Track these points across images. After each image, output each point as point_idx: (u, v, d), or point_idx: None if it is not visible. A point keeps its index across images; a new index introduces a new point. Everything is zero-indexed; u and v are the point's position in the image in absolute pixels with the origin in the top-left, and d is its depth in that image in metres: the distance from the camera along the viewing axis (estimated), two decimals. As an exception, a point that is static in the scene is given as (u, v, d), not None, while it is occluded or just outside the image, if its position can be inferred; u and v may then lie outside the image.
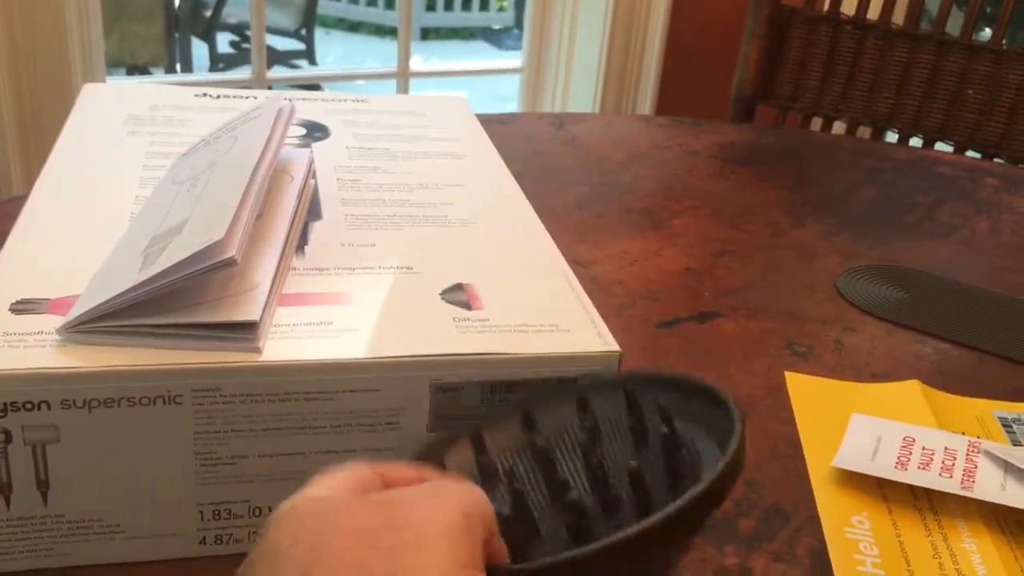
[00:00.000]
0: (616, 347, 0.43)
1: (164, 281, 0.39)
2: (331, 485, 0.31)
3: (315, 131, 0.64)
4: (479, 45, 5.26)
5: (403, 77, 2.20)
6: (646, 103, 2.20)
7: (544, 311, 0.45)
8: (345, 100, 0.71)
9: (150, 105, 0.64)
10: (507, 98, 2.61)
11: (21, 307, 0.41)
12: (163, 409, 0.39)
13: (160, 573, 0.42)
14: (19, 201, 0.59)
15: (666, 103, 2.22)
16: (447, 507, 0.29)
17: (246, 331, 0.40)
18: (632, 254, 0.75)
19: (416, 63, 2.27)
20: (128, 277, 0.40)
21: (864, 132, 1.24)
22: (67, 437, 0.39)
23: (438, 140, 0.65)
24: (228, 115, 0.60)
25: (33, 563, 0.41)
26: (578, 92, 2.26)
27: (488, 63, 3.18)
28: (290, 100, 0.54)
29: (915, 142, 1.20)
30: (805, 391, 0.59)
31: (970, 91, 1.16)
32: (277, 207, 0.49)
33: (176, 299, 0.40)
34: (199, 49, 4.13)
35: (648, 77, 2.19)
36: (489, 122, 0.73)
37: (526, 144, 0.96)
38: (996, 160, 1.13)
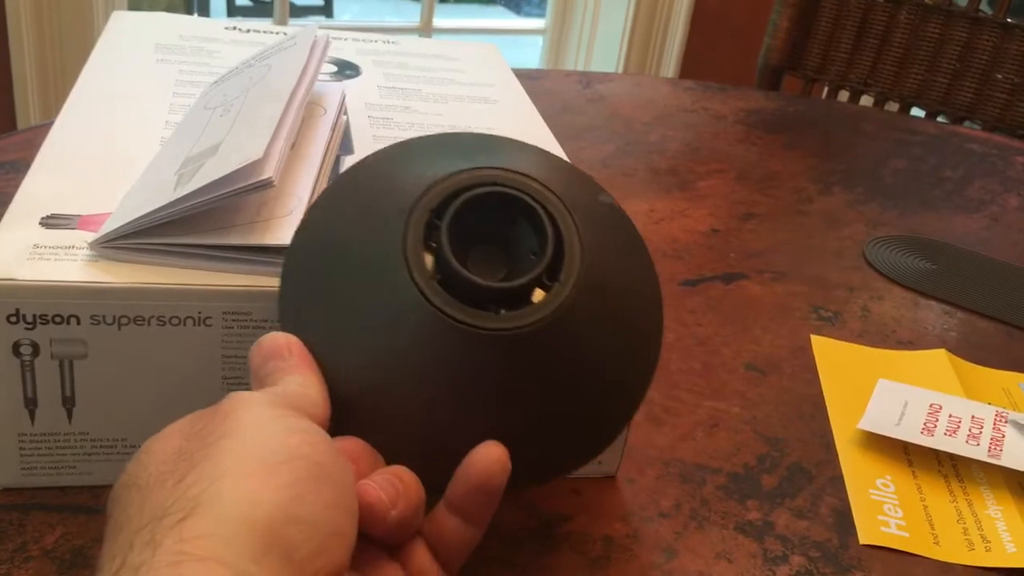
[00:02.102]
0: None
1: (199, 200, 0.38)
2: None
3: (346, 69, 0.63)
4: (498, 10, 5.21)
5: (426, 32, 2.18)
6: (670, 69, 2.18)
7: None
8: (376, 41, 0.70)
9: (179, 35, 0.63)
10: (528, 63, 2.59)
11: (52, 221, 0.40)
12: (192, 330, 0.38)
13: (181, 497, 0.42)
14: (40, 129, 0.58)
15: (689, 70, 2.20)
16: (263, 395, 0.31)
17: (279, 256, 0.39)
18: (658, 212, 0.74)
19: (436, 23, 2.24)
20: (162, 195, 0.39)
21: (891, 107, 1.23)
22: (95, 353, 0.38)
23: (470, 84, 0.64)
24: (257, 48, 0.59)
25: (55, 480, 0.40)
26: (601, 56, 2.23)
27: (512, 23, 3.14)
28: (325, 34, 0.53)
29: (941, 120, 1.18)
30: (831, 355, 0.58)
31: (1000, 76, 1.14)
32: (310, 138, 0.48)
33: (209, 220, 0.39)
34: (216, 2, 4.08)
35: (673, 43, 2.16)
36: (516, 77, 0.72)
37: (553, 101, 0.94)
38: (1024, 141, 1.12)
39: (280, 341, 0.34)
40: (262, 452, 0.28)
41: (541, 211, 0.35)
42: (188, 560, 0.25)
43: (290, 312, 0.36)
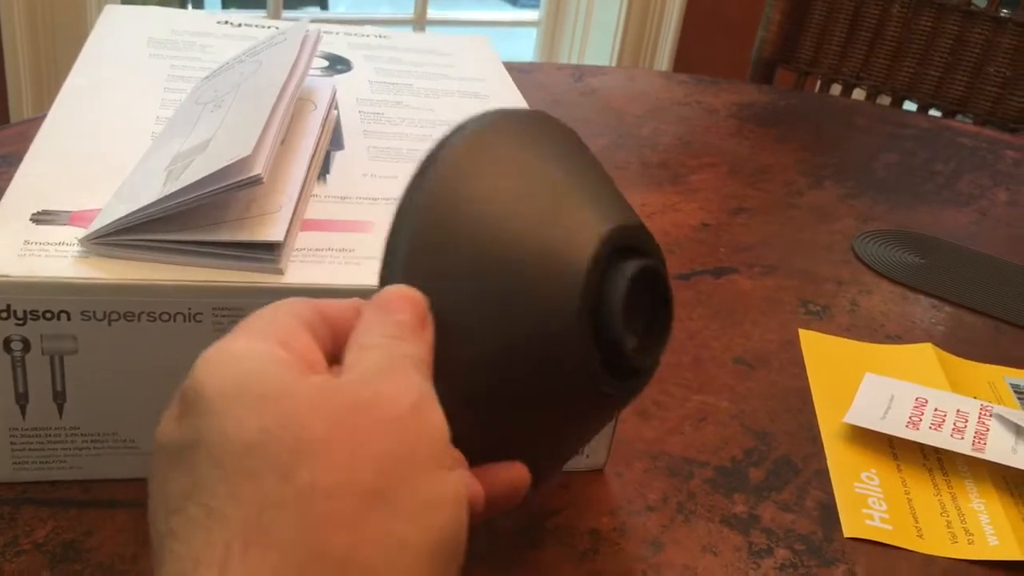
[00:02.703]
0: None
1: (189, 196, 0.38)
2: (260, 335, 0.27)
3: (337, 64, 0.63)
4: (493, 2, 5.20)
5: (420, 24, 2.18)
6: (663, 62, 2.18)
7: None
8: (367, 35, 0.70)
9: (171, 29, 0.63)
10: (523, 56, 2.59)
11: (42, 217, 0.41)
12: (183, 326, 0.39)
13: (172, 491, 0.42)
14: (33, 122, 0.58)
15: (683, 64, 2.20)
16: (441, 415, 0.27)
17: (269, 252, 0.39)
18: (650, 207, 0.74)
19: (430, 15, 2.24)
20: (152, 191, 0.39)
21: (883, 101, 1.23)
22: (85, 349, 0.38)
23: (461, 79, 0.64)
24: (249, 42, 0.59)
25: (46, 474, 0.41)
26: (595, 48, 2.23)
27: (506, 15, 3.15)
28: (316, 29, 0.53)
29: (933, 114, 1.19)
30: (818, 349, 0.59)
31: (991, 69, 1.14)
32: (300, 134, 0.48)
33: (199, 216, 0.40)
34: (211, -9, 4.07)
35: (667, 36, 2.17)
36: (508, 70, 0.72)
37: (545, 94, 0.95)
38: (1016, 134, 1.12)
39: (423, 304, 0.31)
40: (438, 526, 0.25)
41: (670, 289, 0.35)
42: None
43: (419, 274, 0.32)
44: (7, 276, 0.37)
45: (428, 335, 0.30)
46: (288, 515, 0.23)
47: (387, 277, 0.32)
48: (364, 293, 0.40)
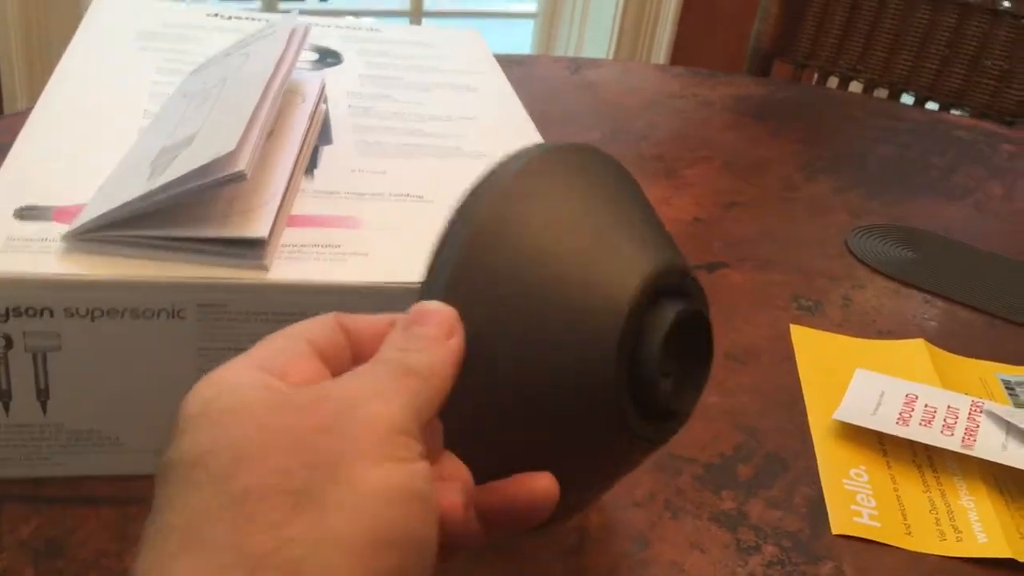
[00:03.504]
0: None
1: (172, 192, 0.38)
2: (258, 363, 0.27)
3: (327, 57, 0.63)
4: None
5: (416, 17, 2.17)
6: (660, 54, 2.17)
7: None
8: (359, 28, 0.70)
9: (162, 22, 0.63)
10: (519, 48, 2.58)
11: (26, 213, 0.40)
12: (167, 323, 0.39)
13: (157, 488, 0.42)
14: (22, 116, 0.58)
15: (680, 56, 2.19)
16: (391, 407, 0.27)
17: (254, 248, 0.39)
18: (642, 200, 0.74)
19: (426, 6, 2.23)
20: (136, 187, 0.39)
21: (880, 94, 1.23)
22: (69, 346, 0.38)
23: (453, 72, 0.64)
24: (239, 35, 0.58)
25: (30, 471, 0.40)
26: (592, 41, 2.23)
27: (503, 6, 3.15)
28: (305, 22, 0.53)
29: (931, 107, 1.18)
30: (810, 344, 0.59)
31: (988, 62, 1.14)
32: (288, 128, 0.48)
33: (183, 212, 0.39)
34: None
35: (663, 29, 2.16)
36: (504, 63, 0.72)
37: (541, 86, 0.94)
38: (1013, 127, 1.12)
39: (451, 314, 0.30)
40: (376, 519, 0.25)
41: (711, 332, 0.35)
42: None
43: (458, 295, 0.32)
44: (9, 273, 0.37)
45: (453, 345, 0.30)
46: (222, 521, 0.24)
47: (426, 296, 0.32)
48: (349, 290, 0.40)
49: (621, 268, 0.33)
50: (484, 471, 0.31)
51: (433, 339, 0.29)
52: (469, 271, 0.32)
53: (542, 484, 0.31)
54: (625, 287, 0.32)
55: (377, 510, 0.25)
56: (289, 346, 0.29)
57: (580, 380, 0.32)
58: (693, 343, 0.35)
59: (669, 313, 0.33)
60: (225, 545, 0.23)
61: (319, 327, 0.30)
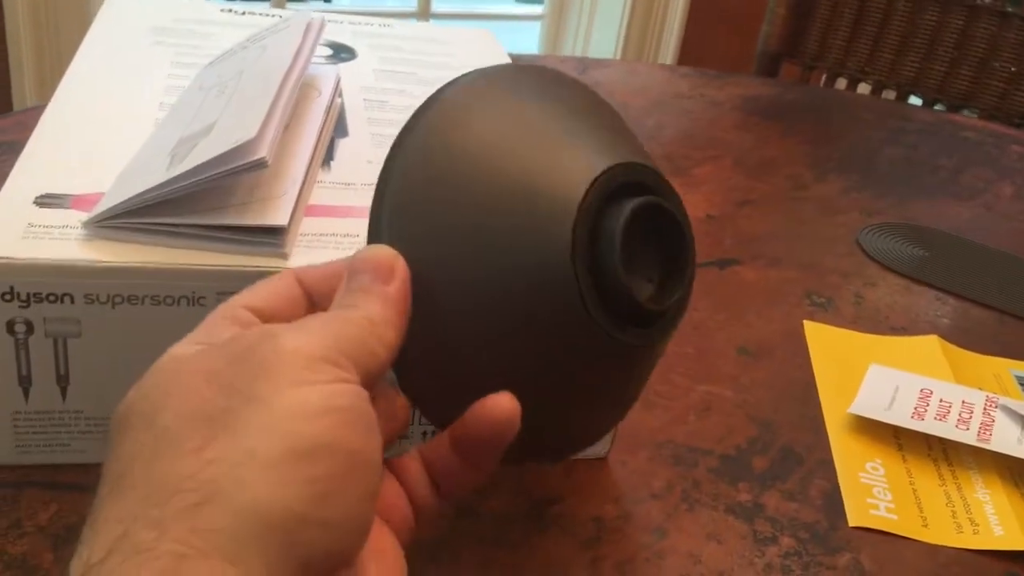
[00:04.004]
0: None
1: (193, 179, 0.38)
2: (199, 338, 0.29)
3: (342, 52, 0.63)
4: (497, -3, 5.18)
5: (423, 18, 2.17)
6: (668, 55, 2.18)
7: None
8: (372, 24, 0.70)
9: (175, 17, 0.63)
10: (527, 49, 2.58)
11: (46, 201, 0.40)
12: (187, 310, 0.39)
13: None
14: (35, 111, 0.58)
15: (688, 57, 2.20)
16: (310, 338, 0.27)
17: (273, 236, 0.39)
18: (653, 198, 0.74)
19: (434, 8, 2.24)
20: (156, 175, 0.39)
21: (888, 95, 1.23)
22: (89, 332, 0.38)
23: (465, 68, 0.64)
24: (252, 30, 0.59)
25: (49, 457, 0.40)
26: (599, 42, 2.23)
27: (510, 8, 3.15)
28: (320, 17, 0.53)
29: (939, 108, 1.18)
30: (823, 340, 0.59)
31: (997, 64, 1.14)
32: (304, 120, 0.48)
33: (203, 200, 0.39)
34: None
35: (671, 30, 2.16)
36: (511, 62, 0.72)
37: (549, 85, 0.94)
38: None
39: (386, 259, 0.30)
40: (293, 434, 0.25)
41: (684, 226, 0.34)
42: (194, 555, 0.23)
43: (401, 225, 0.31)
44: (10, 258, 0.37)
45: (390, 291, 0.30)
46: (142, 457, 0.25)
47: (371, 235, 0.32)
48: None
49: (575, 167, 0.31)
50: (455, 410, 0.30)
51: (367, 290, 0.29)
52: (409, 205, 0.31)
53: (499, 403, 0.30)
54: (574, 188, 0.31)
55: (293, 426, 0.25)
56: (218, 322, 0.30)
57: (537, 293, 0.30)
58: (669, 241, 0.33)
59: (625, 208, 0.31)
60: (146, 478, 0.24)
61: (271, 287, 0.31)
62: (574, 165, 0.31)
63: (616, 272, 0.31)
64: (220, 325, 0.29)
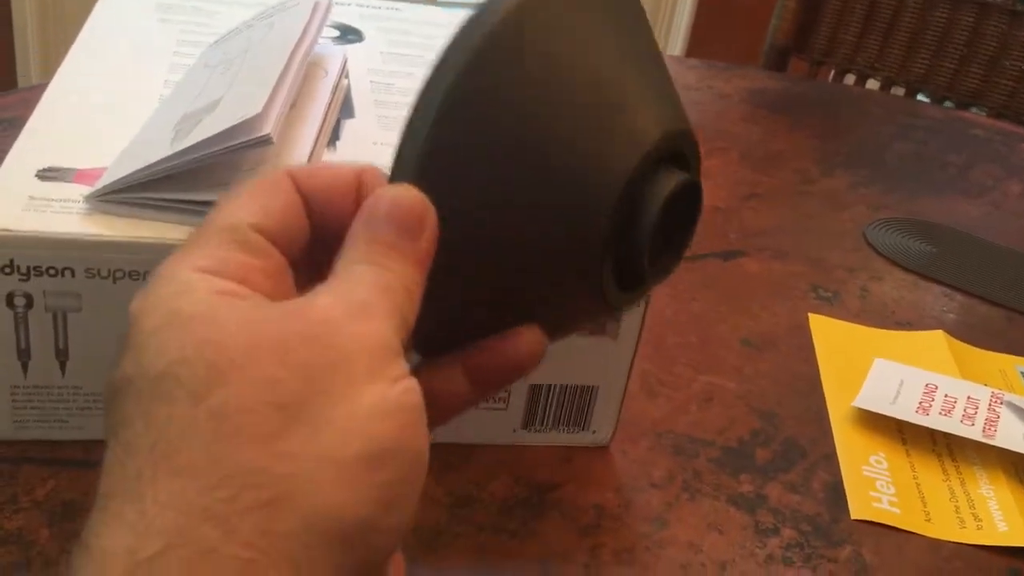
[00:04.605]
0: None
1: (197, 155, 0.38)
2: (213, 267, 0.25)
3: (348, 33, 0.63)
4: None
5: (431, 2, 2.17)
6: (677, 48, 2.17)
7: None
8: (380, 7, 0.69)
9: (181, -5, 0.63)
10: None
11: (48, 174, 0.40)
12: (187, 287, 0.38)
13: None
14: (39, 89, 0.57)
15: (696, 51, 2.19)
16: (381, 326, 0.25)
17: (277, 214, 0.39)
18: (659, 188, 0.74)
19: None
20: (160, 150, 0.39)
21: (897, 92, 1.22)
22: (89, 307, 0.38)
23: (473, 53, 0.64)
24: (258, 9, 0.58)
25: (47, 433, 0.40)
26: (606, 36, 2.22)
27: None
28: (328, -5, 0.52)
29: (947, 106, 1.18)
30: (828, 333, 0.58)
31: (1007, 63, 1.13)
32: (310, 99, 0.47)
33: (207, 176, 0.39)
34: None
35: (680, 23, 2.15)
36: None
37: (556, 74, 0.94)
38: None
39: (417, 207, 0.27)
40: (369, 436, 0.23)
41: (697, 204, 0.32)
42: (263, 561, 0.21)
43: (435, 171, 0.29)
44: (10, 231, 0.36)
45: (422, 248, 0.27)
46: (199, 436, 0.22)
47: (397, 171, 0.29)
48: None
49: (624, 132, 0.29)
50: (462, 334, 0.30)
51: (397, 247, 0.27)
52: (449, 136, 0.28)
53: (531, 338, 0.29)
54: (626, 157, 0.29)
55: (372, 429, 0.23)
56: (216, 239, 0.26)
57: (565, 251, 0.29)
58: (685, 218, 0.32)
59: (667, 184, 0.29)
60: (207, 462, 0.21)
61: (278, 206, 0.27)
62: (627, 128, 0.30)
63: (642, 253, 0.30)
64: (229, 249, 0.26)
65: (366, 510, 0.23)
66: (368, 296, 0.26)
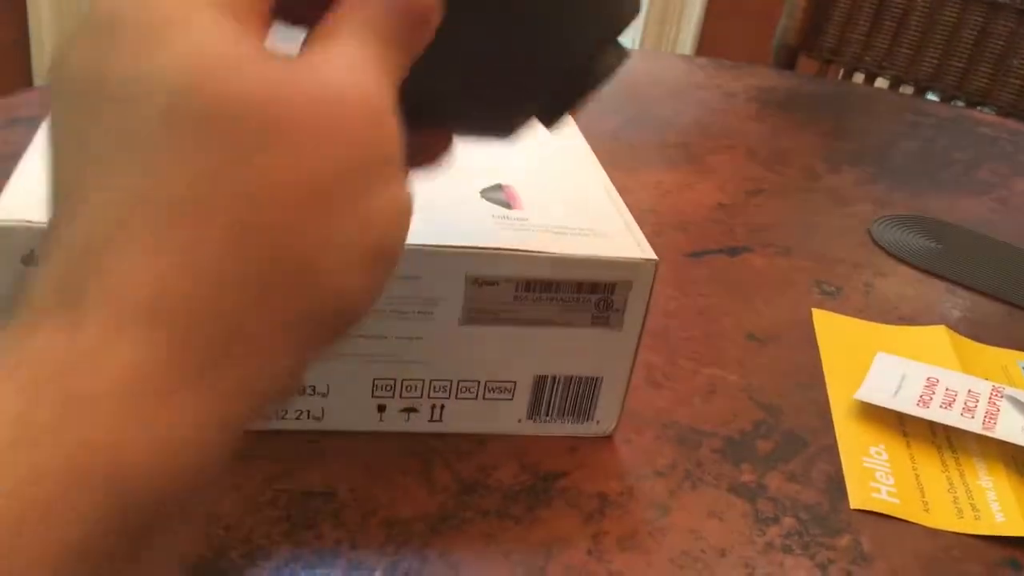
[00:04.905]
0: (652, 255, 0.43)
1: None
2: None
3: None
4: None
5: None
6: (686, 46, 2.17)
7: (583, 216, 0.45)
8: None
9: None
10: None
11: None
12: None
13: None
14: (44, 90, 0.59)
15: (706, 49, 2.19)
16: (380, 89, 0.25)
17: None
18: (665, 185, 0.75)
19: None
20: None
21: (906, 91, 1.22)
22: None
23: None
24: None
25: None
26: (616, 35, 2.23)
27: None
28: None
29: (956, 105, 1.18)
30: (831, 328, 0.59)
31: (1016, 62, 1.14)
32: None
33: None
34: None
35: (690, 21, 2.16)
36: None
37: (565, 72, 0.95)
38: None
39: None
40: (381, 239, 0.26)
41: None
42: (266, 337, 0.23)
43: None
44: (31, 222, 0.37)
45: (421, 36, 0.27)
46: (234, 193, 0.22)
47: None
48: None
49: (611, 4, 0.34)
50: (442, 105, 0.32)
51: (398, 25, 0.26)
52: None
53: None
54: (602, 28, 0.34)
55: (386, 228, 0.25)
56: None
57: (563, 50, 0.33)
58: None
59: (617, 61, 0.36)
60: (237, 221, 0.22)
61: None
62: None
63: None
64: None
65: (370, 297, 0.25)
66: (389, 89, 0.26)
